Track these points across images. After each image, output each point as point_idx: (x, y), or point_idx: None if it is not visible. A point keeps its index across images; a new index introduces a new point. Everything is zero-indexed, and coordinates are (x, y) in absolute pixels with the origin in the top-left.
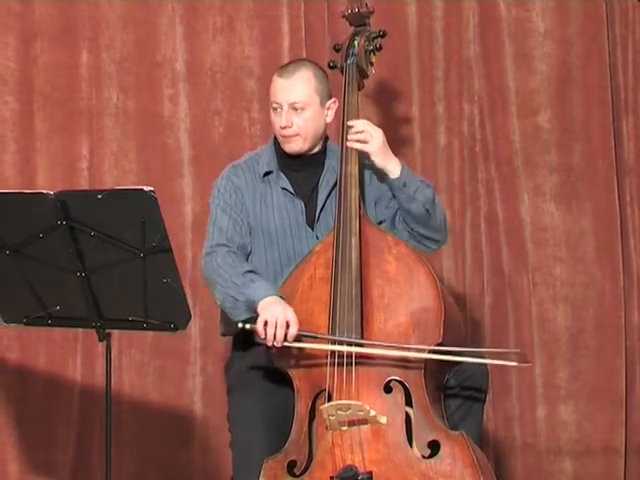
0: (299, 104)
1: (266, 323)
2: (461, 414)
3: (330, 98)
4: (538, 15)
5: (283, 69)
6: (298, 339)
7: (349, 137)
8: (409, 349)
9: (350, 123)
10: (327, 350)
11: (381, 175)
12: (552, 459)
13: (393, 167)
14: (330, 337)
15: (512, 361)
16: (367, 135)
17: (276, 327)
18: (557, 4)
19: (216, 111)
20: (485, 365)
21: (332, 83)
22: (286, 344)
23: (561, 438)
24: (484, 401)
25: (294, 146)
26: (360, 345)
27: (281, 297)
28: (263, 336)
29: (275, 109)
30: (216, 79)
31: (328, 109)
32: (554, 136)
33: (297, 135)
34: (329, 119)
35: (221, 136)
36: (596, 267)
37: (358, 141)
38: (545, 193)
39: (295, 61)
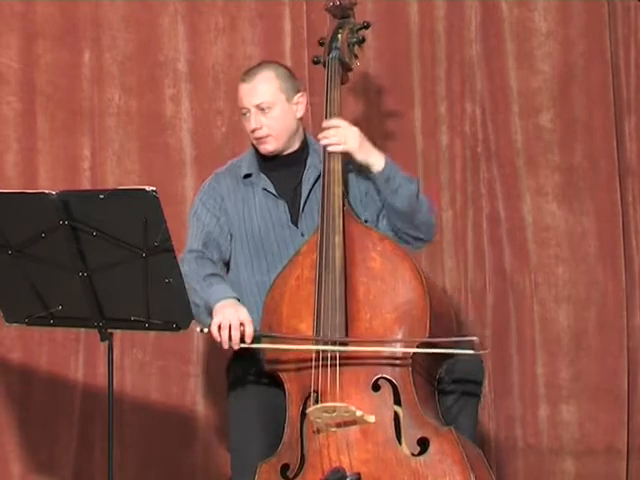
0: (264, 104)
1: (220, 327)
2: (457, 409)
3: (297, 93)
4: (540, 15)
5: (245, 74)
6: (258, 340)
7: (322, 142)
8: (380, 343)
9: (324, 125)
10: (297, 350)
11: (366, 171)
12: (554, 459)
13: (376, 161)
14: (290, 336)
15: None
16: (338, 138)
17: (230, 329)
18: (559, 4)
19: (218, 111)
20: (479, 358)
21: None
22: (244, 345)
23: (563, 438)
24: (480, 394)
25: (268, 147)
26: (336, 343)
27: (237, 299)
28: (218, 339)
29: (244, 114)
30: (218, 79)
31: (297, 104)
32: (556, 136)
33: (269, 135)
34: (300, 114)
35: (223, 136)
36: (598, 267)
37: (335, 143)
38: (547, 193)
39: (257, 65)
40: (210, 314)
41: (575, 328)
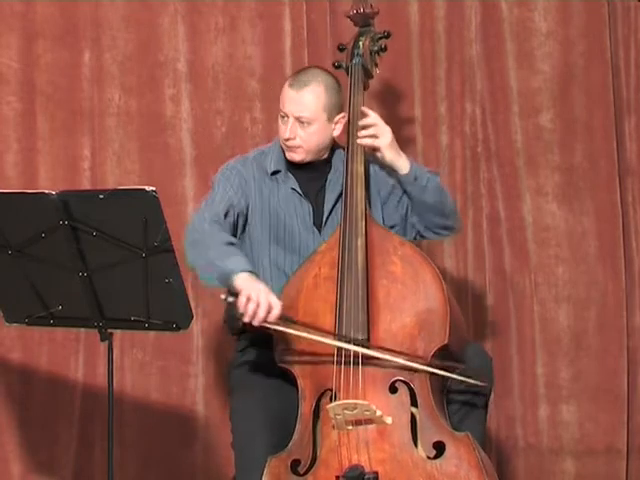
0: (305, 118)
1: (249, 299)
2: (463, 414)
3: (340, 112)
4: (540, 15)
5: (295, 79)
6: (277, 323)
7: (359, 133)
8: (406, 358)
9: (362, 119)
10: (313, 341)
11: (390, 172)
12: (554, 459)
13: (403, 163)
14: (314, 328)
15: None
16: (378, 129)
17: (258, 305)
18: (559, 4)
19: (218, 111)
20: (489, 366)
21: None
22: (264, 324)
23: (563, 438)
24: (487, 402)
25: (296, 156)
26: (358, 344)
27: (257, 276)
28: (242, 310)
29: (282, 117)
30: (218, 79)
31: (336, 123)
32: (556, 136)
33: (300, 147)
34: (336, 133)
35: (223, 136)
36: (598, 267)
37: (370, 136)
38: (547, 193)
39: (309, 71)
40: (222, 278)
41: (575, 328)
